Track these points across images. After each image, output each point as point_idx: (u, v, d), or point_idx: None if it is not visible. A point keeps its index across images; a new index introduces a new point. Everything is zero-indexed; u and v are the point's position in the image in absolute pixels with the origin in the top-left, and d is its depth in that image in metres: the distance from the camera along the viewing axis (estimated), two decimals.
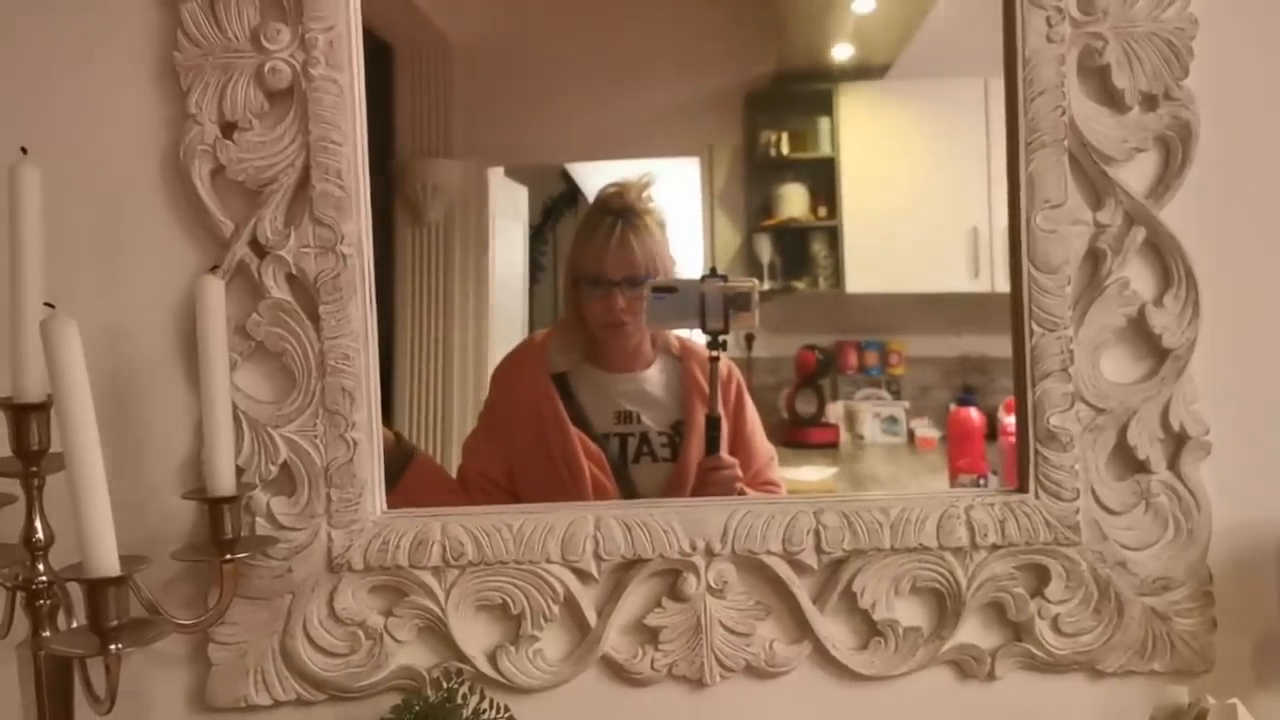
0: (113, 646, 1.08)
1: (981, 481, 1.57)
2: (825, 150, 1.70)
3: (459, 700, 1.29)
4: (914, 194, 1.67)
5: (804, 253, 1.69)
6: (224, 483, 1.23)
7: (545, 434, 1.53)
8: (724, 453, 1.51)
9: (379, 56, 1.48)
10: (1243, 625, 1.34)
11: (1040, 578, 1.34)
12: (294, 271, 1.32)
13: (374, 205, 1.35)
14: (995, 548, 1.33)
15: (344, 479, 1.33)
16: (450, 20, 1.63)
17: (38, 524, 1.20)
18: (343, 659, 1.35)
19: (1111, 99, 1.30)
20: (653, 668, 1.35)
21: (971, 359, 1.63)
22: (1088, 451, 1.31)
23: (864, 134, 1.71)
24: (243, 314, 1.32)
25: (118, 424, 1.31)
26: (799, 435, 1.68)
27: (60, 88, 1.35)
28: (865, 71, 1.68)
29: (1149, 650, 1.33)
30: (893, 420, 1.69)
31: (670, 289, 1.52)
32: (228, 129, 1.31)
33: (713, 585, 1.34)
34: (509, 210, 1.68)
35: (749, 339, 1.56)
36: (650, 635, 1.36)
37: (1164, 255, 1.31)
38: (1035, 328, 1.31)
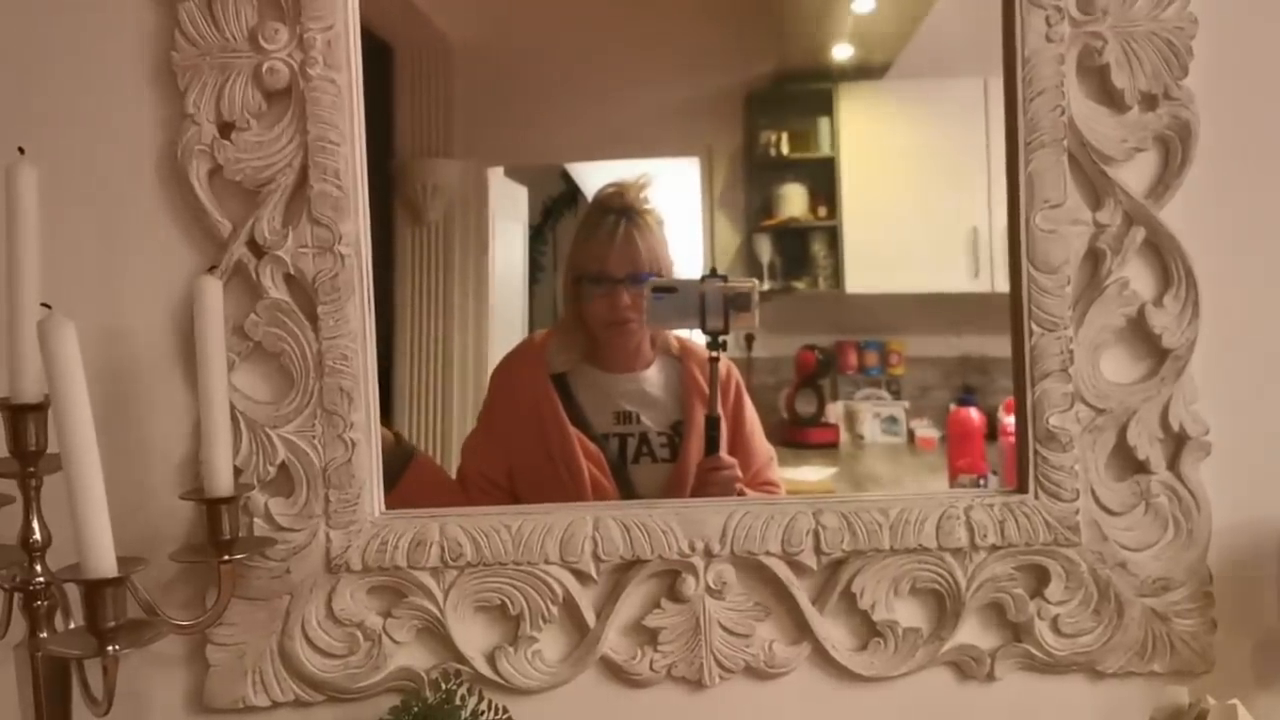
0: (110, 648, 1.08)
1: (981, 482, 1.57)
2: (825, 150, 1.69)
3: (457, 701, 1.29)
4: (914, 194, 1.66)
5: (804, 253, 1.69)
6: (222, 483, 1.23)
7: (544, 434, 1.52)
8: (723, 453, 1.51)
9: (378, 56, 1.48)
10: (1243, 626, 1.33)
11: (1040, 578, 1.33)
12: (292, 272, 1.32)
13: (373, 205, 1.34)
14: (995, 548, 1.32)
15: (342, 479, 1.33)
16: (450, 20, 1.62)
17: (35, 525, 1.20)
18: (341, 660, 1.35)
19: (1111, 99, 1.29)
20: (652, 669, 1.35)
21: (971, 359, 1.63)
22: (1087, 452, 1.31)
23: (864, 134, 1.70)
24: (240, 314, 1.32)
25: (115, 425, 1.31)
26: (799, 435, 1.68)
27: (58, 88, 1.35)
28: (865, 71, 1.68)
29: (1149, 651, 1.33)
30: (893, 420, 1.69)
31: (670, 289, 1.52)
32: (225, 129, 1.31)
33: (712, 586, 1.34)
34: (509, 210, 1.68)
35: (749, 339, 1.56)
36: (649, 636, 1.36)
37: (1164, 255, 1.30)
38: (1035, 328, 1.31)
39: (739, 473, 1.50)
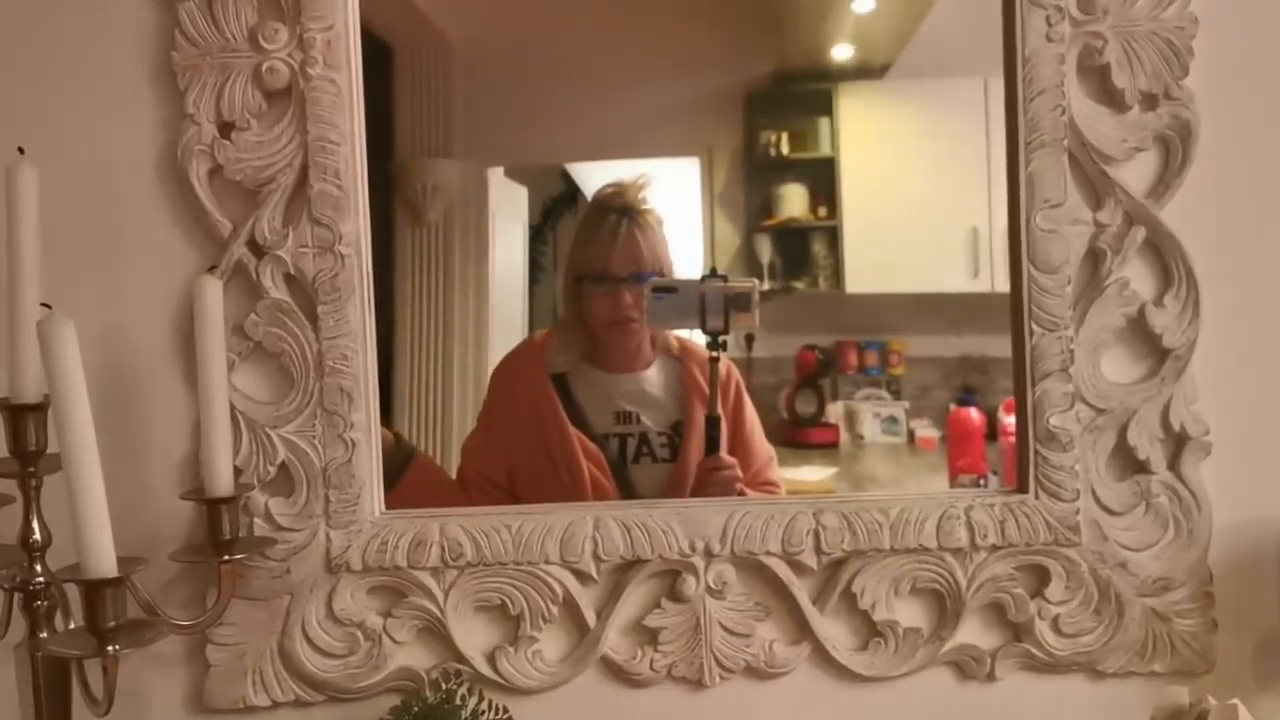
0: (110, 648, 1.08)
1: (981, 482, 1.57)
2: (825, 150, 1.69)
3: (458, 701, 1.29)
4: (914, 194, 1.66)
5: (804, 253, 1.69)
6: (222, 483, 1.23)
7: (544, 434, 1.52)
8: (723, 453, 1.51)
9: (378, 56, 1.48)
10: (1243, 626, 1.33)
11: (1040, 578, 1.33)
12: (292, 271, 1.32)
13: (373, 205, 1.34)
14: (995, 548, 1.32)
15: (342, 479, 1.33)
16: (450, 20, 1.62)
17: (35, 525, 1.20)
18: (341, 660, 1.35)
19: (1111, 98, 1.29)
20: (652, 669, 1.35)
21: (971, 359, 1.63)
22: (1088, 452, 1.31)
23: (864, 134, 1.70)
24: (241, 314, 1.32)
25: (115, 425, 1.31)
26: (799, 435, 1.68)
27: (58, 88, 1.35)
28: (865, 71, 1.68)
29: (1149, 651, 1.33)
30: (893, 420, 1.69)
31: (670, 289, 1.52)
32: (225, 129, 1.31)
33: (712, 586, 1.34)
34: (509, 210, 1.68)
35: (749, 339, 1.56)
36: (649, 636, 1.36)
37: (1164, 255, 1.30)
38: (1035, 328, 1.31)
39: (739, 473, 1.50)
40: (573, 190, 1.66)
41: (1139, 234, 1.29)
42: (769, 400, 1.64)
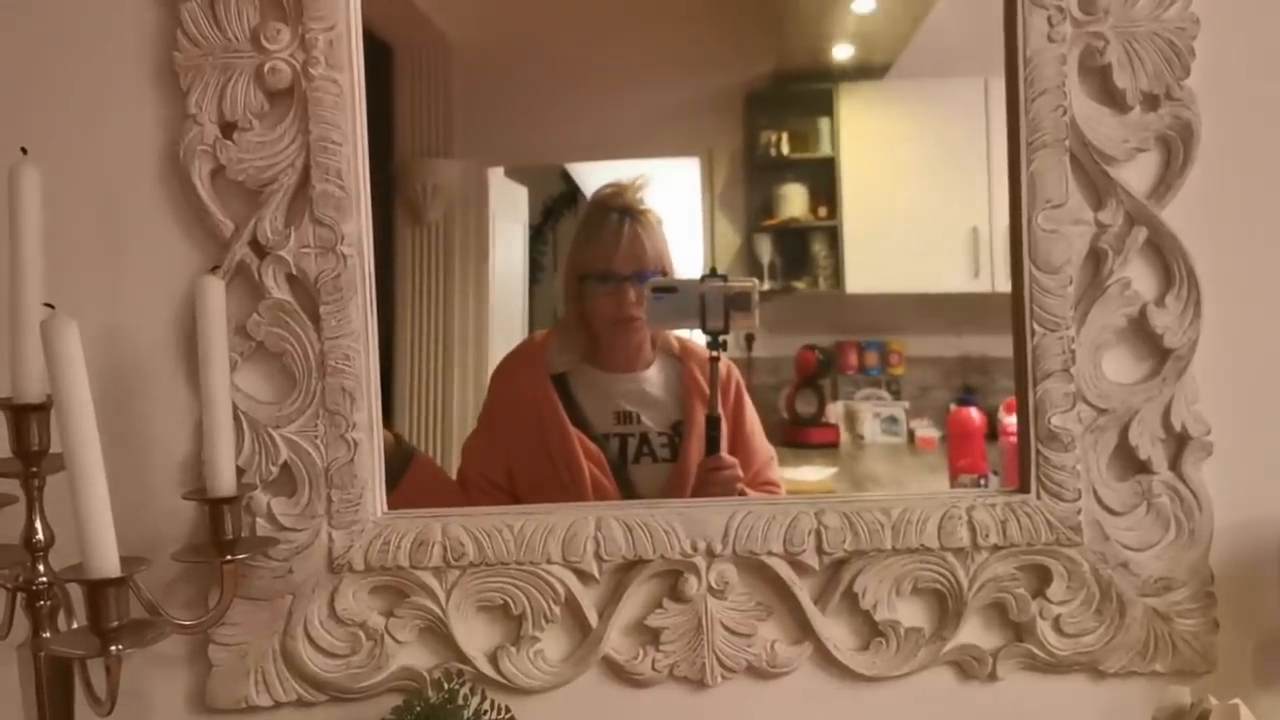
0: (113, 648, 1.08)
1: (982, 482, 1.57)
2: (825, 150, 1.70)
3: (460, 701, 1.29)
4: (914, 194, 1.66)
5: (804, 253, 1.69)
6: (224, 483, 1.23)
7: (545, 435, 1.52)
8: (724, 453, 1.51)
9: (379, 56, 1.48)
10: (1245, 625, 1.34)
11: (1042, 578, 1.33)
12: (294, 272, 1.32)
13: (374, 205, 1.34)
14: (996, 548, 1.32)
15: (345, 479, 1.33)
16: (450, 20, 1.62)
17: (38, 525, 1.20)
18: (343, 660, 1.35)
19: (1113, 99, 1.30)
20: (654, 669, 1.35)
21: (972, 359, 1.63)
22: (1089, 452, 1.31)
23: (864, 134, 1.70)
24: (243, 314, 1.32)
25: (118, 425, 1.31)
26: (799, 435, 1.68)
27: (60, 88, 1.35)
28: (865, 71, 1.68)
29: (1151, 651, 1.33)
30: (893, 420, 1.69)
31: (670, 289, 1.52)
32: (228, 129, 1.31)
33: (714, 586, 1.34)
34: (509, 210, 1.68)
35: (749, 339, 1.56)
36: (651, 636, 1.36)
37: (1165, 255, 1.31)
38: (1037, 328, 1.31)
39: (740, 473, 1.50)
40: (573, 190, 1.66)
41: (1140, 234, 1.30)
42: (769, 400, 1.64)
